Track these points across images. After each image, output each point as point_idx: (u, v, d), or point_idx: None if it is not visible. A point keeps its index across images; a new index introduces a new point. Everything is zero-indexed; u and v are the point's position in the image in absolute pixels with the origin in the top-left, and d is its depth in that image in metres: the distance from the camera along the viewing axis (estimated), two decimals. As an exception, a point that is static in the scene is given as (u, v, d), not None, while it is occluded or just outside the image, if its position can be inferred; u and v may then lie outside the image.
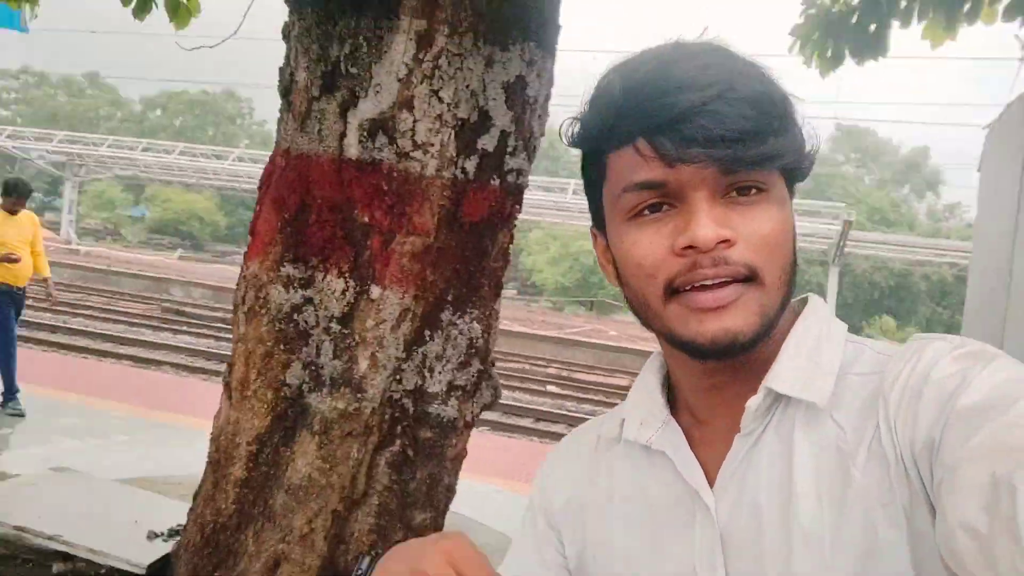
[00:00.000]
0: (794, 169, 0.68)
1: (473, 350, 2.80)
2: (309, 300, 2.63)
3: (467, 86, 2.57)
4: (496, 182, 2.66)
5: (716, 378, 0.71)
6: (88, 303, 14.90)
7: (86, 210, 40.63)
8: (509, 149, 2.66)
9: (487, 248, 2.71)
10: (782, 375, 0.67)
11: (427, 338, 2.70)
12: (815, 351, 0.69)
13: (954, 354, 0.62)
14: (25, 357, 6.57)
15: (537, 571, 0.83)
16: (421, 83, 2.53)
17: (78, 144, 31.56)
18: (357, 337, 2.62)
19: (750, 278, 0.63)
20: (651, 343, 0.74)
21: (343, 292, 2.60)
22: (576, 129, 0.71)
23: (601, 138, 0.67)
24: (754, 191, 0.64)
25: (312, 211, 2.62)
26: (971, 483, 0.51)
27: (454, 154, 2.59)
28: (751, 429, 0.69)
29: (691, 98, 0.60)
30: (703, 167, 0.62)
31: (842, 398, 0.67)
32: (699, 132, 0.60)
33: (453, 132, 2.58)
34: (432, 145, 2.56)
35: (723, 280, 0.63)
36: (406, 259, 2.59)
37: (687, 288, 0.64)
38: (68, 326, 11.86)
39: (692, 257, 0.63)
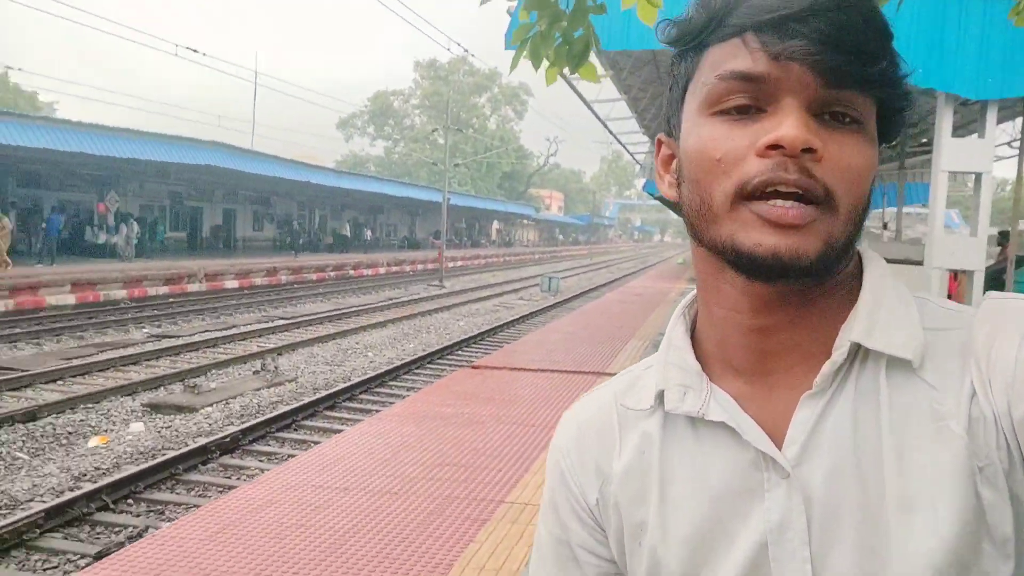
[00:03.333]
0: (890, 117, 0.64)
1: None
2: None
3: None
4: None
5: (771, 318, 0.64)
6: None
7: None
8: None
9: None
10: (867, 328, 0.62)
11: None
12: (895, 303, 0.64)
13: None
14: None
15: None
16: None
17: None
18: None
19: (826, 202, 0.59)
20: None
21: None
22: (673, 30, 0.67)
23: (705, 30, 0.63)
24: (849, 120, 0.60)
25: None
26: None
27: None
28: (823, 387, 0.63)
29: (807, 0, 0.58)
30: (806, 70, 0.58)
31: (925, 356, 0.62)
32: (812, 31, 0.58)
33: None
34: None
35: (799, 194, 0.58)
36: None
37: (760, 195, 0.59)
38: None
39: (776, 159, 0.58)
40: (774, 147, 0.58)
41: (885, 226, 19.40)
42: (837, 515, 0.61)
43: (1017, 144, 9.59)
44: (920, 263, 8.39)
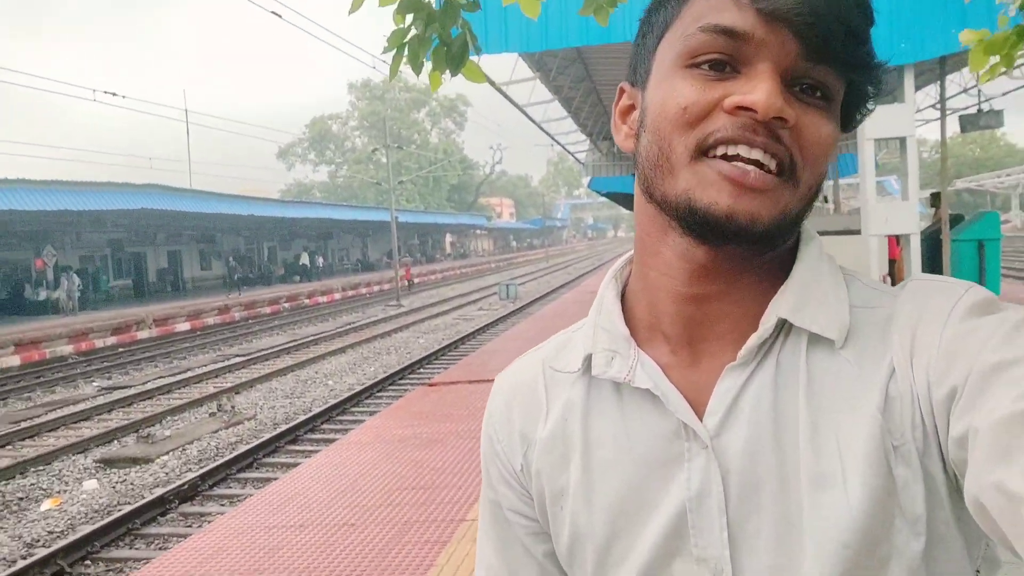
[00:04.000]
0: (855, 102, 0.63)
1: None
2: None
3: None
4: None
5: (704, 287, 0.64)
6: None
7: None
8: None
9: None
10: (796, 305, 0.62)
11: None
12: (825, 281, 0.64)
13: (969, 302, 0.59)
14: None
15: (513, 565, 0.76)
16: None
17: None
18: None
19: (789, 172, 0.58)
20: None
21: None
22: None
23: None
24: (819, 94, 0.59)
25: None
26: (1008, 445, 0.49)
27: None
28: (747, 360, 0.62)
29: None
30: (790, 37, 0.57)
31: (849, 334, 0.62)
32: None
33: None
34: None
35: (761, 163, 0.57)
36: None
37: (723, 154, 0.58)
38: None
39: (744, 119, 0.57)
40: (744, 108, 0.57)
41: (826, 199, 19.89)
42: (755, 486, 0.61)
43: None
44: (859, 232, 8.55)
